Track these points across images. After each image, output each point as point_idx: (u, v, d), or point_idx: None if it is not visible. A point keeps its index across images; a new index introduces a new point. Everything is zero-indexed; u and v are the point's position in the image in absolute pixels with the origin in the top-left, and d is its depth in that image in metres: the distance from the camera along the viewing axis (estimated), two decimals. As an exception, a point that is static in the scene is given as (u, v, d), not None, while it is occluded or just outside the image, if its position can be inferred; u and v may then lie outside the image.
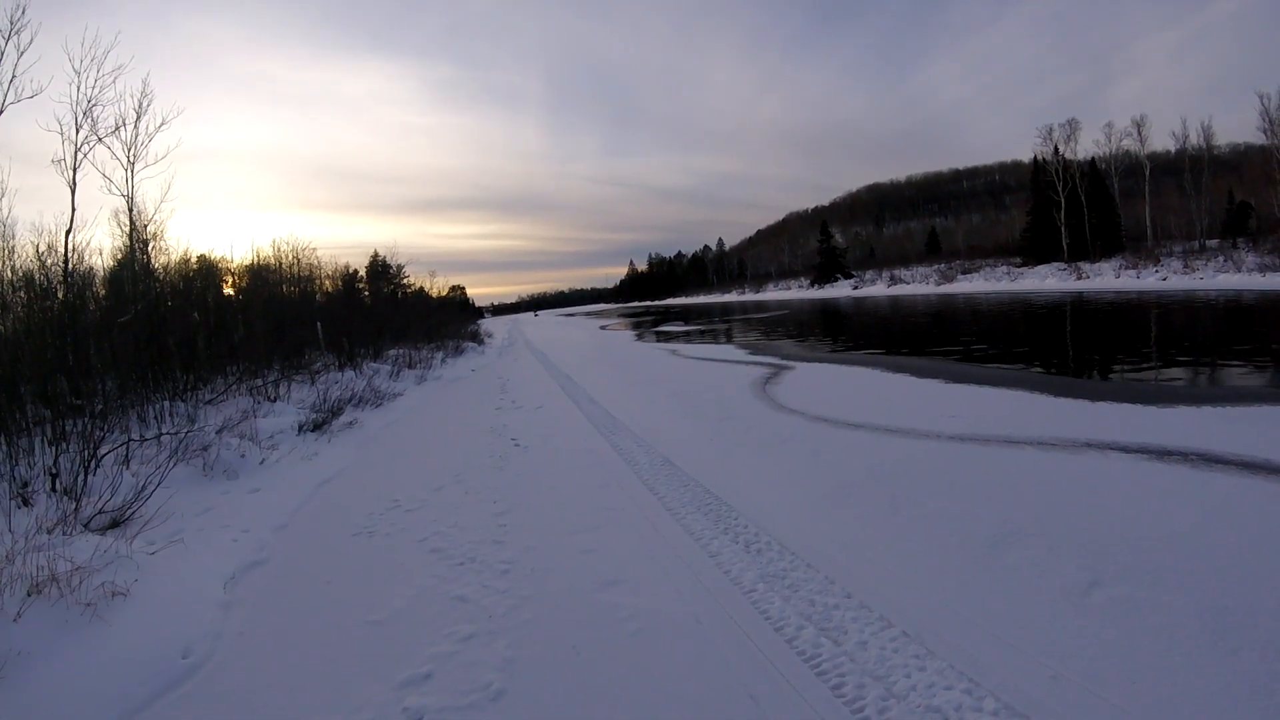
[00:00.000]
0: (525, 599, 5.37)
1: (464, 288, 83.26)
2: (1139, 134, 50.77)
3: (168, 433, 9.42)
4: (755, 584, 5.35)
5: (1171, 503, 6.02)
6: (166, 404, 11.25)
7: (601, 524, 6.99)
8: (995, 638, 4.25)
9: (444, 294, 51.67)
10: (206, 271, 18.06)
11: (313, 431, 11.86)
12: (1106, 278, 42.04)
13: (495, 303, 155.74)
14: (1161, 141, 52.18)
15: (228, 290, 19.50)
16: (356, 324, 22.83)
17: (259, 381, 14.28)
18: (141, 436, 9.15)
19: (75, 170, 10.87)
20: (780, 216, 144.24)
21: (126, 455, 8.42)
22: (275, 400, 13.71)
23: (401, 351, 23.95)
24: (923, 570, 5.33)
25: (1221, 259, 37.32)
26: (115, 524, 6.67)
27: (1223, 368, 13.32)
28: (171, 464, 8.19)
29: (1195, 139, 49.08)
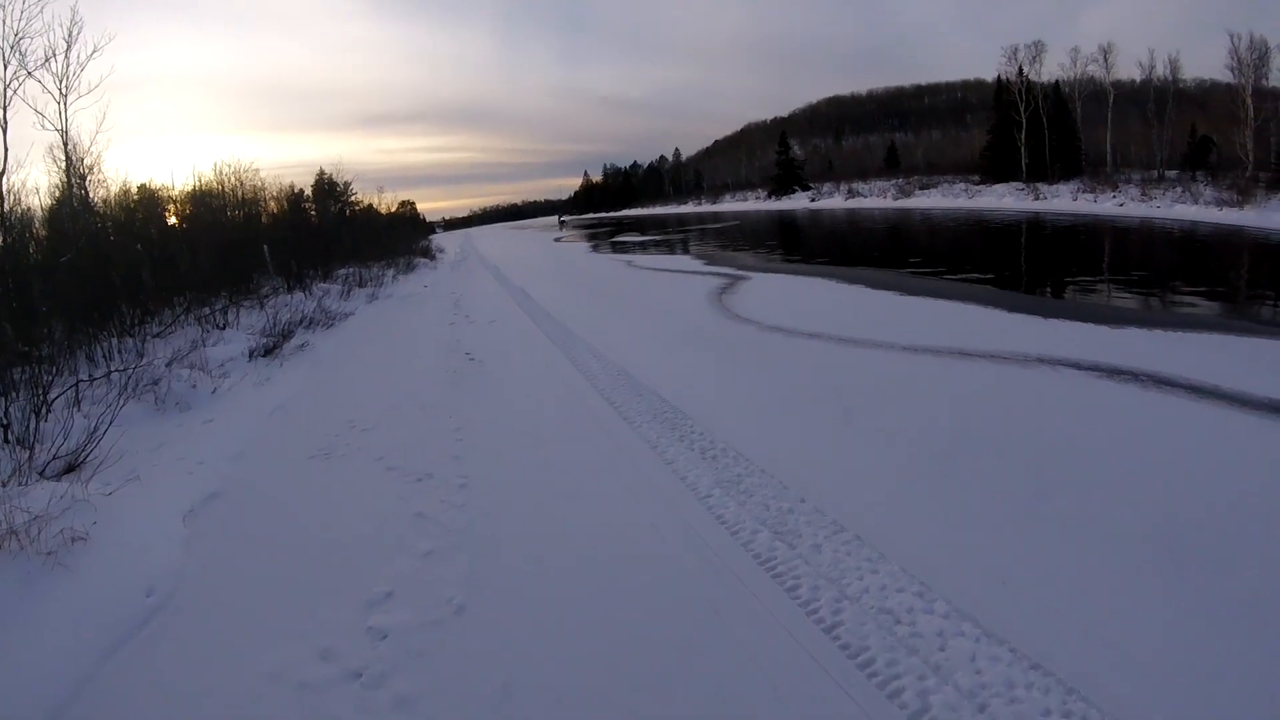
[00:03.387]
0: (484, 513, 5.41)
1: (414, 203, 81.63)
2: (1105, 61, 50.41)
3: (117, 370, 9.05)
4: (711, 490, 5.46)
5: (1122, 421, 6.25)
6: (114, 341, 10.86)
7: (559, 436, 7.03)
8: (946, 544, 4.41)
9: (393, 211, 50.15)
10: (148, 202, 17.52)
11: (264, 357, 11.65)
12: (1063, 200, 42.44)
13: (447, 217, 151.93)
14: (1128, 71, 51.99)
15: (171, 220, 18.96)
16: (304, 245, 22.24)
17: (207, 310, 13.85)
18: (90, 376, 8.81)
19: (5, 108, 10.17)
20: (739, 128, 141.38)
21: (77, 397, 8.17)
22: (224, 328, 13.37)
23: (351, 271, 23.50)
24: (875, 477, 5.48)
25: (1179, 190, 37.51)
26: (70, 469, 6.50)
27: (1175, 295, 13.67)
28: (122, 402, 7.95)
29: (1162, 71, 48.91)
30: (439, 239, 64.31)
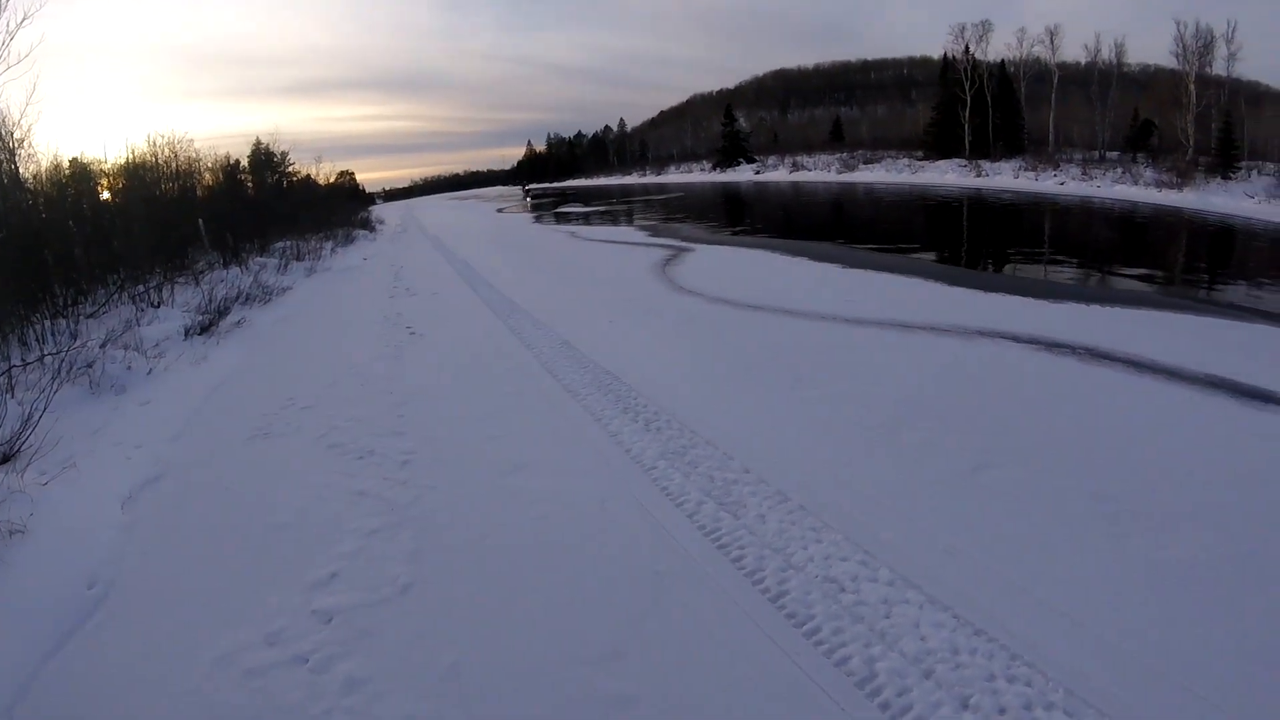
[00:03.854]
0: (428, 489, 5.35)
1: (353, 173, 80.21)
2: (1051, 42, 51.33)
3: (50, 354, 8.63)
4: (656, 461, 5.48)
5: (1060, 392, 6.46)
6: (47, 323, 10.28)
7: (502, 409, 6.97)
8: (889, 512, 4.49)
9: (332, 181, 49.11)
10: (80, 177, 16.56)
11: (200, 335, 11.25)
12: (1005, 177, 43.50)
13: (387, 188, 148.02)
14: (1073, 53, 53.47)
15: (105, 194, 18.06)
16: (240, 218, 21.48)
17: (141, 288, 13.23)
18: (24, 361, 8.38)
19: (-69, 83, 9.49)
20: (684, 98, 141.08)
21: (10, 383, 7.73)
22: (159, 306, 12.80)
23: (289, 244, 22.81)
24: (819, 447, 5.56)
25: (1120, 171, 38.99)
26: (4, 459, 6.13)
27: (1113, 272, 14.12)
28: (56, 386, 7.55)
29: (1107, 54, 50.22)
30: (379, 210, 63.08)
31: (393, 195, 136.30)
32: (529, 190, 71.83)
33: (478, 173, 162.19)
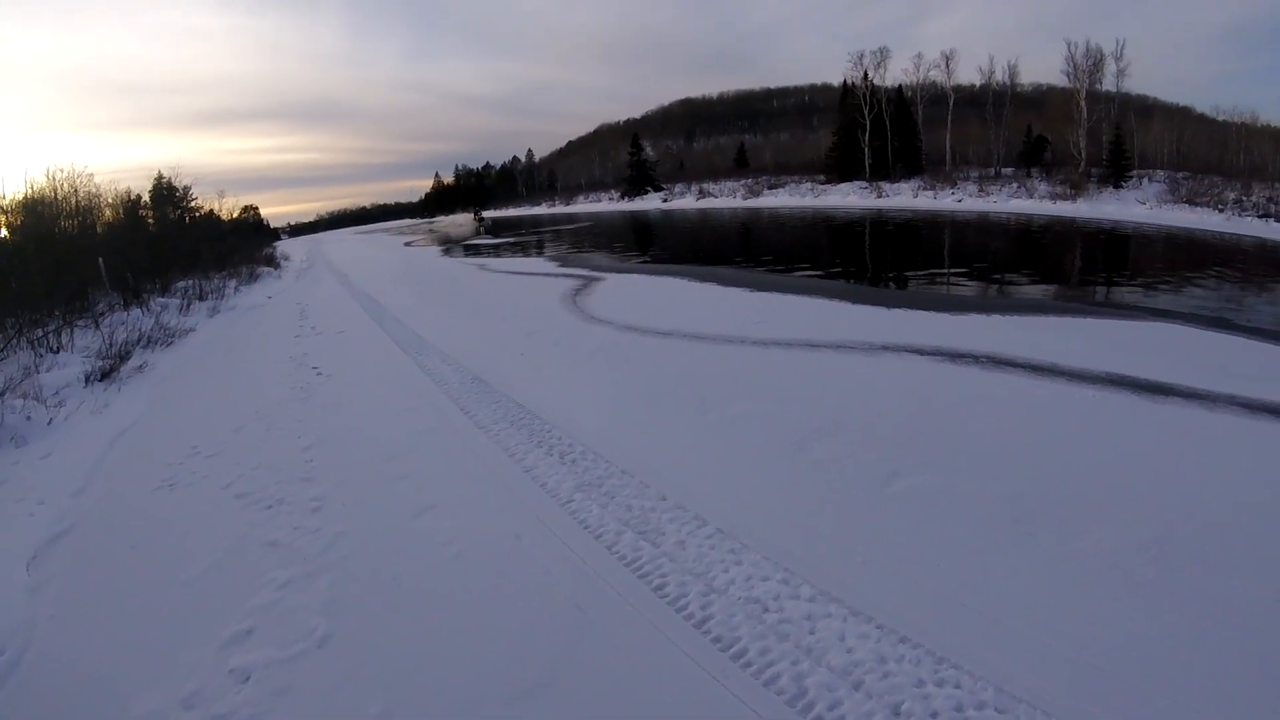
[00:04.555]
0: (340, 535, 5.19)
1: (257, 208, 79.46)
2: (947, 66, 54.81)
3: None
4: (572, 494, 5.43)
5: (965, 401, 6.71)
6: None
7: (413, 449, 6.83)
8: (806, 529, 4.56)
9: (235, 216, 47.89)
10: None
11: (101, 381, 10.77)
12: (905, 197, 45.56)
13: (292, 223, 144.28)
14: (968, 75, 56.78)
15: (2, 231, 17.59)
16: (141, 256, 20.70)
17: (40, 332, 12.59)
18: None
19: None
20: (592, 128, 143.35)
21: None
22: (59, 350, 12.20)
23: (191, 282, 22.04)
24: (734, 469, 5.62)
25: (1015, 185, 41.87)
26: None
27: (1012, 282, 14.82)
28: None
29: (1001, 76, 53.98)
30: (284, 246, 61.37)
31: (298, 230, 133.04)
32: (482, 218, 67.18)
33: (385, 205, 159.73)
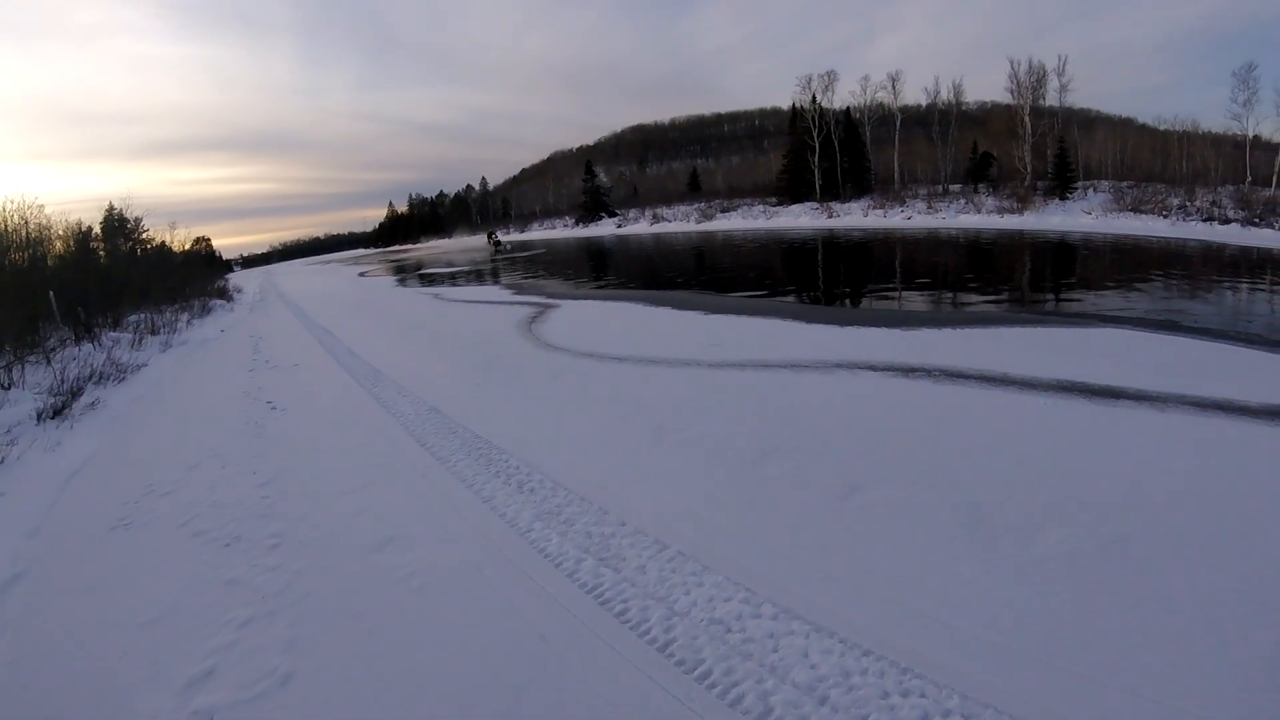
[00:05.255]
0: (299, 572, 5.11)
1: (209, 239, 79.39)
2: (893, 87, 56.96)
3: None
4: (532, 524, 5.40)
5: (920, 414, 6.83)
6: None
7: (370, 482, 6.75)
8: (766, 547, 4.59)
9: (187, 248, 47.30)
10: None
11: (53, 418, 10.55)
12: (855, 216, 46.67)
13: (245, 254, 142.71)
14: (914, 96, 58.96)
15: None
16: (93, 289, 20.28)
17: None
18: None
19: None
20: (545, 155, 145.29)
21: None
22: (9, 387, 11.90)
23: (143, 316, 21.69)
24: (692, 491, 5.64)
25: (963, 201, 43.46)
26: None
27: (961, 295, 15.12)
28: None
29: (946, 95, 56.44)
30: (237, 278, 60.66)
31: (251, 262, 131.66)
32: (499, 241, 61.60)
33: (339, 235, 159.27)
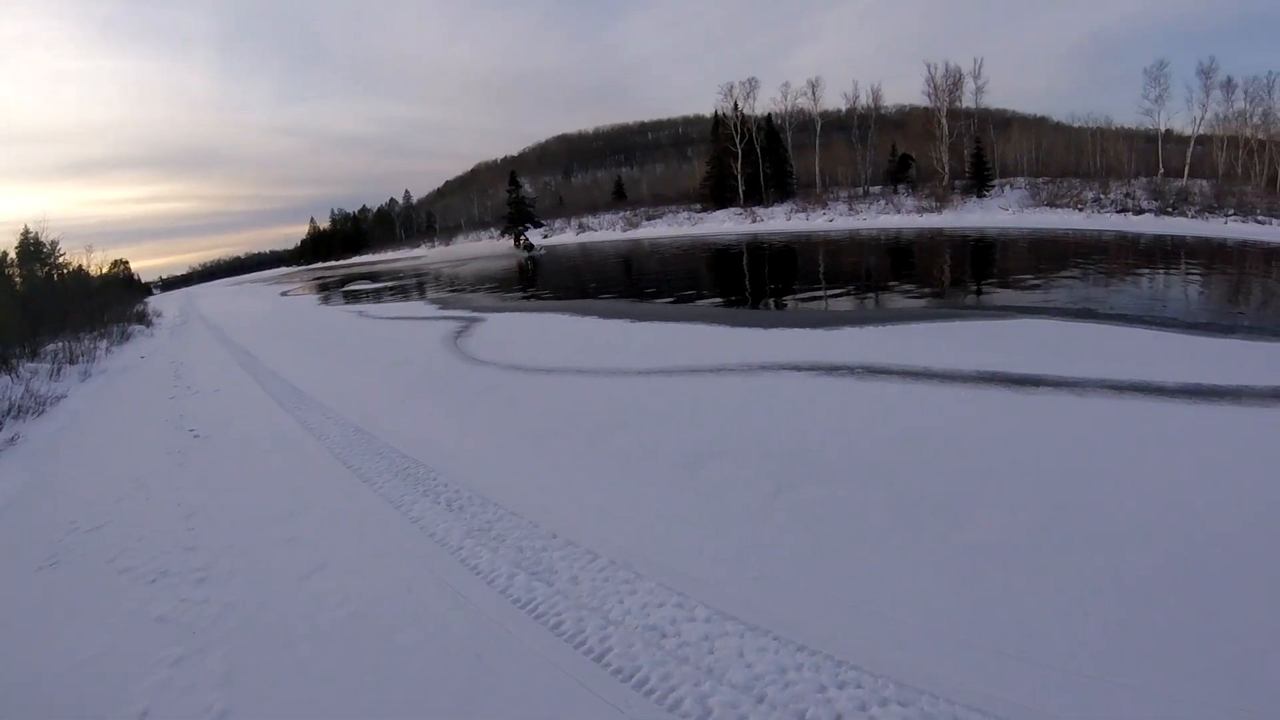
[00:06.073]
0: (229, 605, 4.98)
1: (127, 262, 76.95)
2: (813, 94, 58.28)
3: None
4: (462, 541, 5.35)
5: (845, 410, 6.97)
6: None
7: (298, 508, 6.62)
8: (699, 550, 4.62)
9: (105, 272, 45.81)
10: None
11: None
12: (779, 221, 47.55)
13: (164, 276, 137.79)
14: (835, 102, 60.38)
15: None
16: (9, 317, 19.49)
17: None
18: None
19: None
20: (470, 166, 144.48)
21: None
22: None
23: (62, 344, 20.88)
24: (623, 499, 5.66)
25: (883, 202, 44.77)
26: None
27: (883, 293, 15.51)
28: None
29: (865, 100, 58.00)
30: (156, 301, 58.70)
31: (170, 284, 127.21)
32: (530, 245, 55.74)
33: (260, 254, 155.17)
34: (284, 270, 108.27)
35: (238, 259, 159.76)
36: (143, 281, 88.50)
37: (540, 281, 30.77)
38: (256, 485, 7.50)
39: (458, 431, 8.17)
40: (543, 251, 53.17)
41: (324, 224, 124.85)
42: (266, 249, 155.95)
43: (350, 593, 4.85)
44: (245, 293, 59.33)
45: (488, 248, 67.82)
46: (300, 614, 4.69)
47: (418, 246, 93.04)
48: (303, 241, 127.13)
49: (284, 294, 47.21)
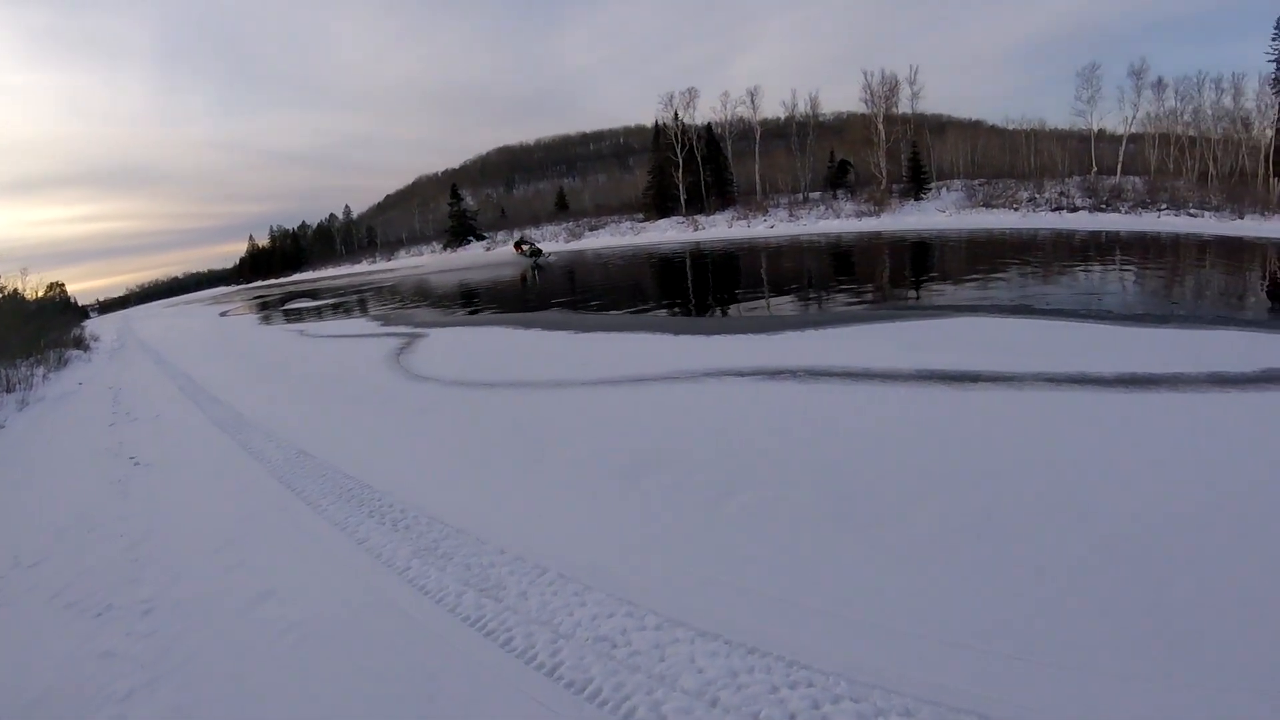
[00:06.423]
0: (176, 637, 4.85)
1: (64, 285, 75.07)
2: (752, 102, 59.38)
3: None
4: (409, 561, 5.29)
5: (787, 413, 7.08)
6: None
7: (242, 534, 6.48)
8: (647, 559, 4.65)
9: (41, 295, 44.19)
10: None
11: None
12: (720, 228, 48.29)
13: (101, 299, 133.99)
14: (773, 110, 61.57)
15: None
16: None
17: None
18: None
19: None
20: (410, 180, 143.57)
21: None
22: None
23: None
24: (569, 511, 5.67)
25: (823, 208, 45.92)
26: None
27: (824, 297, 15.72)
28: None
29: (803, 107, 59.29)
30: (94, 324, 57.00)
31: (108, 306, 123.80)
32: (537, 250, 48.69)
33: (199, 274, 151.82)
34: (223, 290, 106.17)
35: (176, 279, 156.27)
36: (80, 305, 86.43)
37: (483, 296, 30.60)
38: (200, 512, 7.34)
39: (401, 450, 8.08)
40: (552, 257, 47.69)
41: (263, 241, 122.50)
42: (205, 268, 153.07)
43: (298, 619, 4.77)
44: (184, 314, 58.08)
45: (493, 256, 64.95)
46: (248, 644, 4.60)
47: (359, 263, 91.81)
48: (241, 260, 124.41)
49: (223, 314, 46.29)
